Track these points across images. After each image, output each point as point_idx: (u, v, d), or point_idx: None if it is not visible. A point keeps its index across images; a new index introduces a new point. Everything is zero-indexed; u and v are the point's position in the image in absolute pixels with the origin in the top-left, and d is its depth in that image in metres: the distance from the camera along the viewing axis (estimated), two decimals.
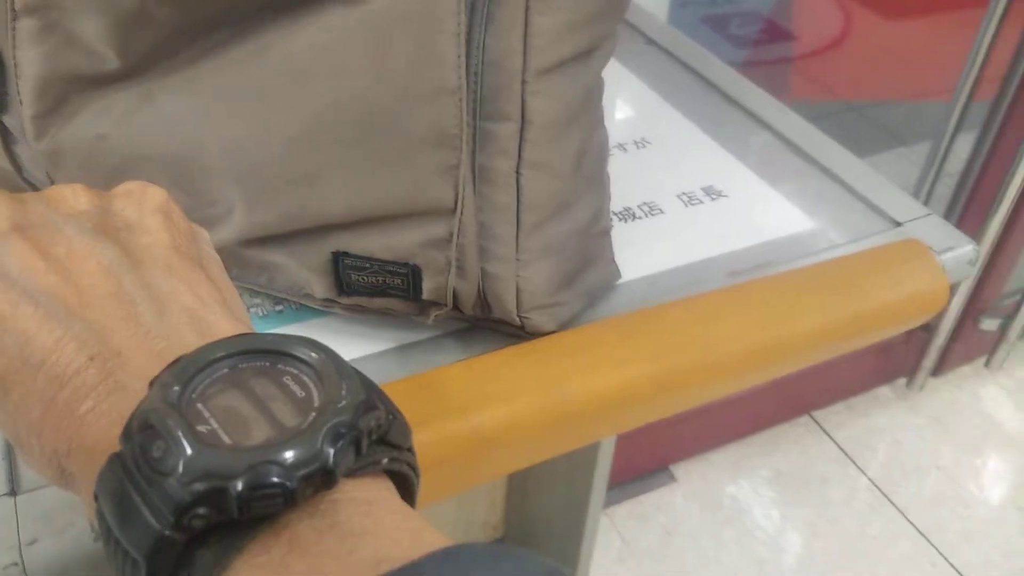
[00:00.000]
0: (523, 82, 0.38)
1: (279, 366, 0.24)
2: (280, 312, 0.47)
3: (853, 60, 1.78)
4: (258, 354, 0.24)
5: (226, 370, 0.24)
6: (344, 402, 0.23)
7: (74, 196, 0.30)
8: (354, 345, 0.46)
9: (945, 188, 1.51)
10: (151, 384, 0.23)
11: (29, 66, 0.39)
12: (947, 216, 1.43)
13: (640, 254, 0.52)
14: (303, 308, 0.47)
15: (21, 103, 0.40)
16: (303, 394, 0.23)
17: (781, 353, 0.49)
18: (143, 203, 0.30)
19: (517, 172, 0.40)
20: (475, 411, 0.42)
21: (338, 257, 0.41)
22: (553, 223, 0.42)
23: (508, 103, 0.38)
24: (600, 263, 0.48)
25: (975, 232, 1.41)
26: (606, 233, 0.48)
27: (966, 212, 1.49)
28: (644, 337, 0.46)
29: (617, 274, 0.49)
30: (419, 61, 0.37)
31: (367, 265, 0.42)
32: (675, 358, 0.46)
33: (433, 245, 0.41)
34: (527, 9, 0.37)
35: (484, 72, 0.37)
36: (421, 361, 0.45)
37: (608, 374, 0.45)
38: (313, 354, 0.24)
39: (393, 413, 0.25)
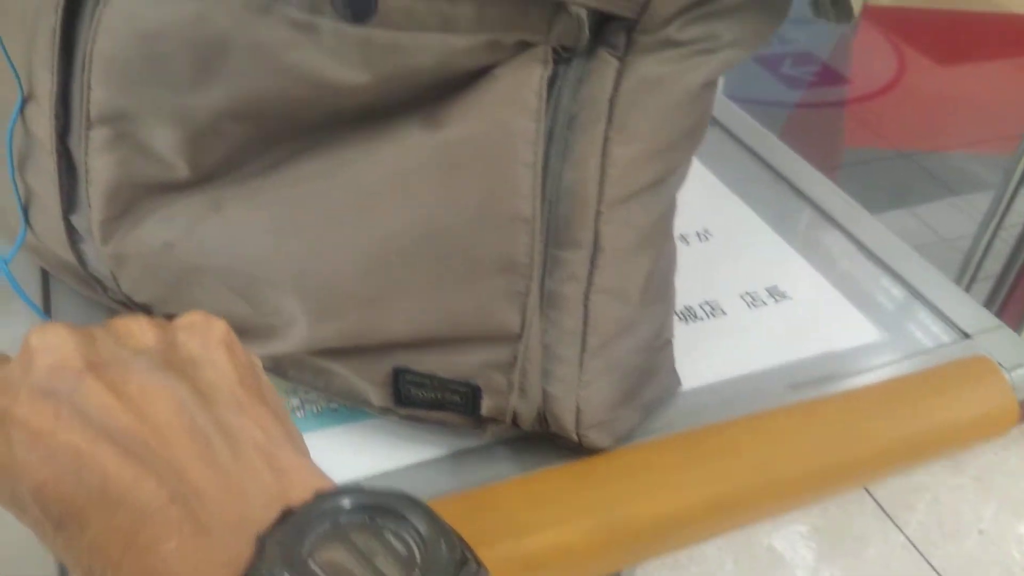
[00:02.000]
0: (598, 212, 0.37)
1: (379, 520, 0.25)
2: (335, 411, 0.47)
3: (908, 107, 1.76)
4: (361, 510, 0.25)
5: (329, 525, 0.24)
6: (445, 559, 0.24)
7: (140, 331, 0.30)
8: (408, 450, 0.45)
9: (1003, 244, 1.48)
10: (260, 539, 0.23)
11: (100, 172, 0.39)
12: (1003, 277, 1.40)
13: (700, 359, 0.51)
14: (358, 409, 0.46)
15: (90, 206, 0.40)
16: (405, 552, 0.24)
17: (841, 477, 0.48)
18: (207, 336, 0.30)
19: (586, 297, 0.39)
20: (529, 534, 0.41)
21: (399, 372, 0.41)
22: (617, 342, 0.41)
23: (581, 231, 0.37)
24: (661, 374, 0.47)
25: None
26: (668, 344, 0.47)
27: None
28: (702, 459, 0.45)
29: (677, 383, 0.48)
30: (493, 190, 0.36)
31: (427, 382, 0.41)
32: (733, 482, 0.45)
33: (496, 367, 0.40)
34: (606, 140, 0.36)
35: (559, 201, 0.36)
36: (475, 471, 0.44)
37: (665, 498, 0.43)
38: (412, 511, 0.25)
39: (478, 562, 0.25)
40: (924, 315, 0.56)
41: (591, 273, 0.38)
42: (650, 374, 0.45)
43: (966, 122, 1.76)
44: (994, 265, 1.50)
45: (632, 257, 0.39)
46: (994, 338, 0.54)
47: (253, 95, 0.36)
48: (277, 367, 0.44)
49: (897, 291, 0.57)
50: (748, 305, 0.55)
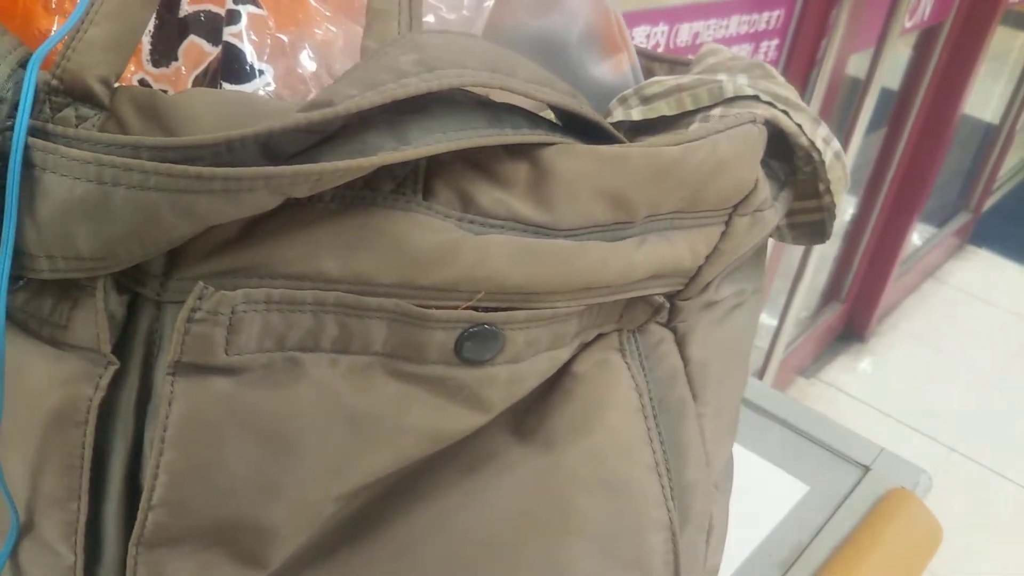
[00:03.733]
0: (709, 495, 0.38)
1: None
2: None
3: None
4: None
5: None
6: None
7: None
8: None
9: None
10: None
11: None
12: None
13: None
14: None
15: None
16: None
17: None
18: None
19: None
20: None
21: None
22: None
23: (701, 518, 0.38)
24: None
25: None
26: None
27: None
28: None
29: None
30: (622, 506, 0.35)
31: None
32: None
33: None
34: (700, 417, 0.38)
35: (683, 494, 0.37)
36: None
37: None
38: None
39: None
40: (827, 458, 0.62)
41: (705, 556, 0.39)
42: None
43: None
44: None
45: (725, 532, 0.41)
46: (884, 462, 0.62)
47: (360, 475, 0.32)
48: None
49: (797, 441, 0.63)
50: None
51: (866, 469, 0.62)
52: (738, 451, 0.61)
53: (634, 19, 0.93)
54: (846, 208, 2.04)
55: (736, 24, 1.09)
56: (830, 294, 2.16)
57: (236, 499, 0.30)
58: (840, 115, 1.56)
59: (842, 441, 0.63)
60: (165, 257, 0.29)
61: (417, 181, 0.30)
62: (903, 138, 1.91)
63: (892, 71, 1.71)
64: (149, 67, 0.38)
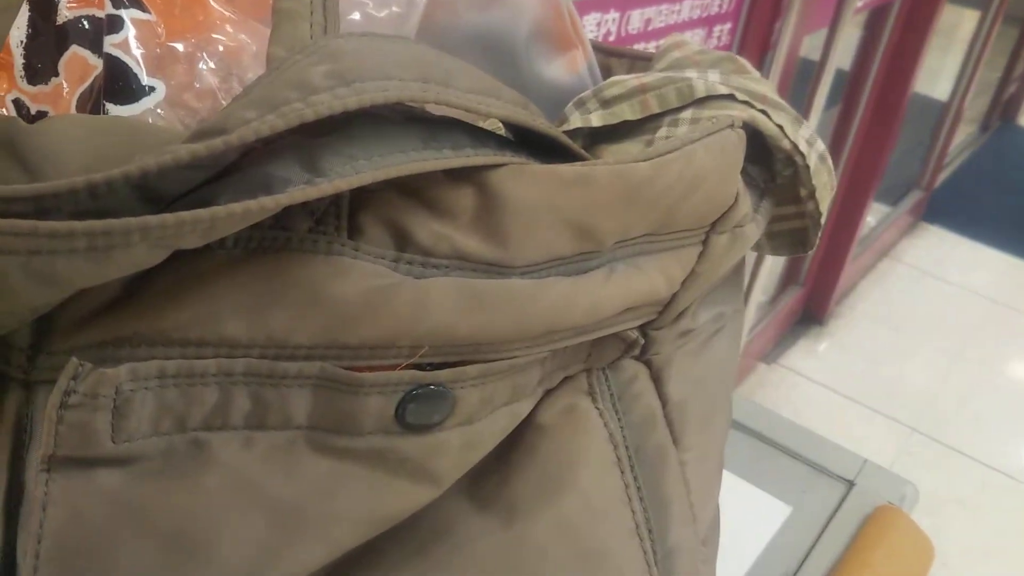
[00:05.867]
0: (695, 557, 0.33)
1: None
2: None
3: None
4: None
5: None
6: None
7: None
8: None
9: None
10: None
11: None
12: None
13: None
14: None
15: None
16: None
17: None
18: None
19: None
20: None
21: None
22: None
23: None
24: None
25: None
26: None
27: None
28: None
29: None
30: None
31: None
32: None
33: None
34: (682, 466, 0.33)
35: (668, 558, 0.32)
36: None
37: None
38: None
39: None
40: (809, 474, 0.58)
41: None
42: None
43: None
44: None
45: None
46: (867, 474, 0.58)
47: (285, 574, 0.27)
48: None
49: (774, 456, 0.59)
50: None
51: (851, 484, 0.58)
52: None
53: (583, 7, 0.88)
54: None
55: (688, 9, 1.04)
56: (788, 278, 2.14)
57: None
58: (794, 99, 1.53)
59: (823, 454, 0.59)
60: (32, 326, 0.24)
61: (340, 216, 0.25)
62: (856, 118, 1.89)
63: (844, 51, 1.68)
64: (24, 84, 0.32)
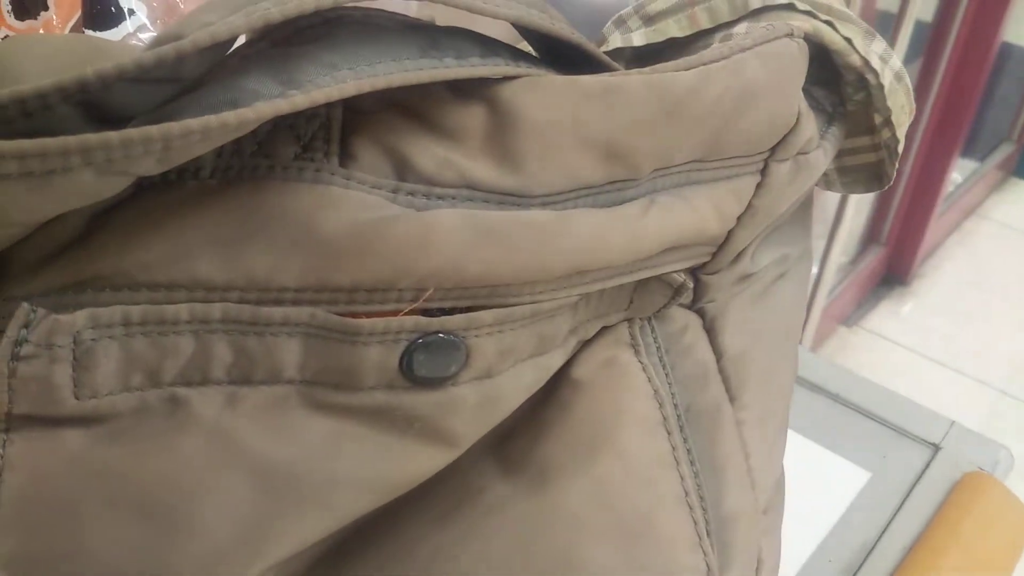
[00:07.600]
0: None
1: None
2: None
3: None
4: None
5: None
6: None
7: None
8: None
9: None
10: None
11: None
12: None
13: None
14: None
15: None
16: None
17: None
18: None
19: None
20: None
21: None
22: None
23: (745, 553, 0.29)
24: None
25: None
26: None
27: None
28: None
29: None
30: (638, 552, 0.27)
31: None
32: None
33: None
34: (739, 425, 0.29)
35: (723, 529, 0.28)
36: None
37: None
38: None
39: None
40: (889, 437, 0.54)
41: None
42: None
43: None
44: None
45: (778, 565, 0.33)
46: (956, 439, 0.53)
47: (284, 546, 0.24)
48: None
49: (851, 417, 0.55)
50: None
51: (936, 448, 0.53)
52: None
53: None
54: None
55: None
56: (870, 237, 2.05)
57: None
58: None
59: (905, 416, 0.55)
60: None
61: (330, 141, 0.22)
62: (939, 72, 1.79)
63: (925, 1, 1.59)
64: (11, 20, 0.30)
